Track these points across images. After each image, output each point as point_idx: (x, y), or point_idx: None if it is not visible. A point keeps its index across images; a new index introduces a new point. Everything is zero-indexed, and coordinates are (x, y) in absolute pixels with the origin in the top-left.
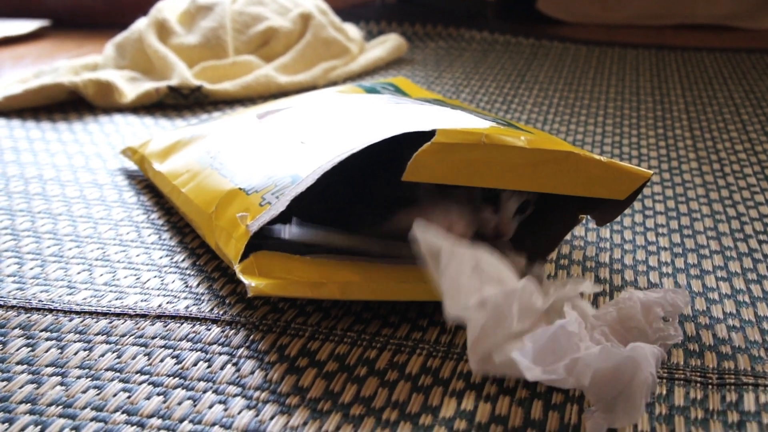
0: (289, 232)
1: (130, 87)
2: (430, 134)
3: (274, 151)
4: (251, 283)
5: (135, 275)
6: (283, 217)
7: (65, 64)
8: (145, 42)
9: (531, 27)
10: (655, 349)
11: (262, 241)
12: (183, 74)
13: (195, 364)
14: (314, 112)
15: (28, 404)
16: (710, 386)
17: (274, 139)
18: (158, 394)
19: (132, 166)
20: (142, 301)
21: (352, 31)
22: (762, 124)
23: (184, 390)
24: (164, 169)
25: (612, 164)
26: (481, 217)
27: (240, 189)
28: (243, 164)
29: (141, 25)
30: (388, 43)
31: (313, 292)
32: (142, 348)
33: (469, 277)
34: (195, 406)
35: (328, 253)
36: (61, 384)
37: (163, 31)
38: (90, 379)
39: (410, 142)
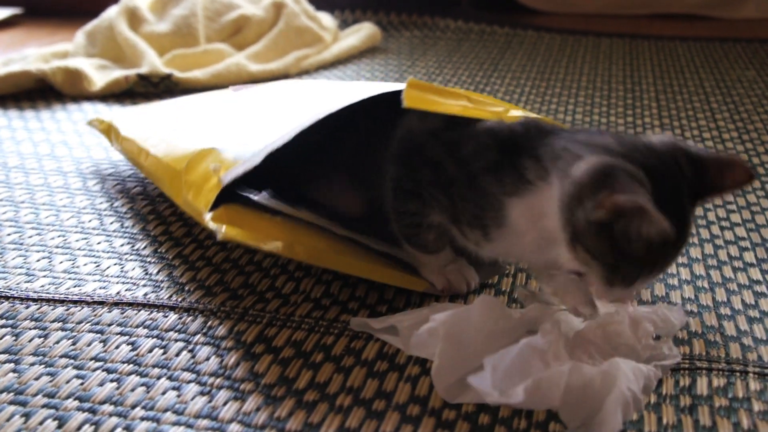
0: (261, 197)
1: (100, 75)
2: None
3: (248, 118)
4: (222, 228)
5: (95, 263)
6: (256, 183)
7: (35, 52)
8: (115, 30)
9: (506, 16)
10: (643, 367)
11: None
12: (153, 62)
13: (150, 351)
14: (287, 88)
15: None
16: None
17: (249, 105)
18: (112, 381)
19: (98, 154)
20: (100, 288)
21: (326, 19)
22: (730, 112)
23: (138, 376)
24: (133, 133)
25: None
26: None
27: (213, 148)
28: (217, 127)
29: (112, 13)
30: (362, 32)
31: (282, 250)
32: (98, 335)
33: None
34: (148, 392)
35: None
36: (14, 371)
37: (134, 18)
38: (43, 365)
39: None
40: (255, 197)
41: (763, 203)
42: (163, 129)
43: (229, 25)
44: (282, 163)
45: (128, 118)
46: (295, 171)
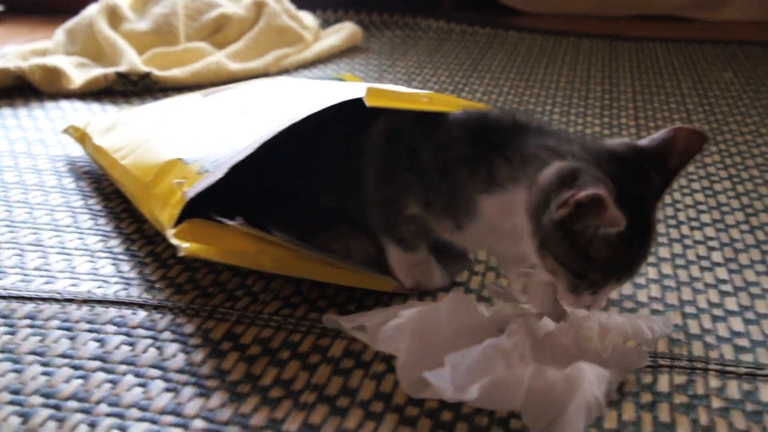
0: (236, 221)
1: (79, 73)
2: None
3: (215, 124)
4: (183, 244)
5: (67, 260)
6: (226, 198)
7: (14, 50)
8: (95, 28)
9: (488, 16)
10: (606, 372)
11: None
12: (132, 60)
13: (117, 348)
14: (256, 90)
15: None
16: None
17: (216, 113)
18: (78, 377)
19: (74, 152)
20: (71, 285)
21: (308, 19)
22: (706, 113)
23: (105, 373)
24: (105, 143)
25: None
26: None
27: (179, 159)
28: (184, 136)
29: (92, 11)
30: (343, 32)
31: (244, 261)
32: (67, 332)
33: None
34: (114, 388)
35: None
36: None
37: (114, 17)
38: (10, 362)
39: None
40: (225, 220)
41: (733, 203)
42: (132, 138)
43: (210, 23)
44: (252, 170)
45: (101, 125)
46: (266, 179)
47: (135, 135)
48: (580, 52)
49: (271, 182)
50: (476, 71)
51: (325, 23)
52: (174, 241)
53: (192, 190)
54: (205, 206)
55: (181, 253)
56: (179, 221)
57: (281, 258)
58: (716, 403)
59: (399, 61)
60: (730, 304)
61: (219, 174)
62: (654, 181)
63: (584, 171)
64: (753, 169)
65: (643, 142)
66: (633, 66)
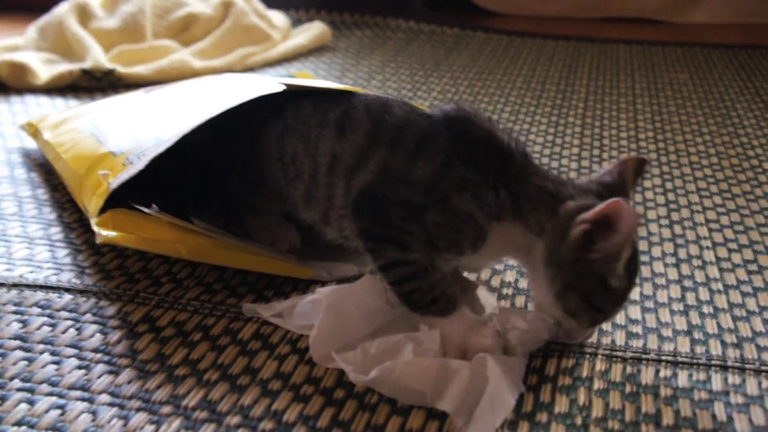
0: (151, 210)
1: (46, 69)
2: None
3: (145, 118)
4: (101, 232)
5: (5, 246)
6: (148, 187)
7: None
8: (63, 25)
9: (458, 17)
10: (512, 358)
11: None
12: (97, 57)
13: (39, 329)
14: (193, 86)
15: None
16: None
17: (150, 108)
18: None
19: (31, 144)
20: (5, 270)
21: (278, 18)
22: (653, 113)
23: (23, 351)
24: (51, 138)
25: None
26: None
27: (110, 152)
28: (117, 130)
29: (63, 8)
30: (312, 31)
31: (160, 248)
32: None
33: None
34: (29, 366)
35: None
36: None
37: (83, 14)
38: None
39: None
40: (143, 209)
41: (659, 200)
42: (75, 134)
43: (177, 22)
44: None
45: (51, 121)
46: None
47: (78, 130)
48: (543, 53)
49: (196, 172)
50: (437, 70)
51: (298, 22)
52: (95, 229)
53: (115, 181)
54: (129, 195)
55: (99, 240)
56: (106, 210)
57: (200, 246)
58: (598, 384)
59: (363, 61)
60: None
61: (140, 165)
62: None
63: (592, 204)
64: (686, 167)
65: (605, 177)
66: (592, 67)
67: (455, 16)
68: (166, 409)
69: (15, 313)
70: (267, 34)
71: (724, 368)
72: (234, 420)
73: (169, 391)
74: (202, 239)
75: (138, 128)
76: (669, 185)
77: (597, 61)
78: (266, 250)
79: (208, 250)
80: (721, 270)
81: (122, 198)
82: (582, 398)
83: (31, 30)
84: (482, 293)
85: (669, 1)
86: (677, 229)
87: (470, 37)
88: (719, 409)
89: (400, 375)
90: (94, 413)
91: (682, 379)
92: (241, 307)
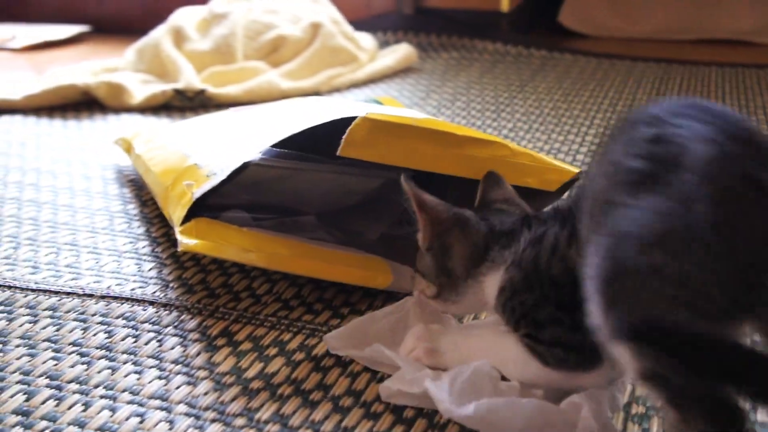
0: (228, 214)
1: (141, 89)
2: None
3: (231, 136)
4: (183, 240)
5: (96, 259)
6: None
7: (87, 66)
8: (159, 47)
9: (545, 39)
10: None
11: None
12: (189, 78)
13: (123, 339)
14: (278, 107)
15: None
16: None
17: (237, 125)
18: (82, 363)
19: (124, 161)
20: (94, 282)
21: (366, 40)
22: None
23: (107, 360)
24: (143, 152)
25: (540, 158)
26: None
27: (195, 164)
28: (204, 146)
29: (160, 31)
30: (398, 53)
31: (240, 257)
32: (81, 323)
33: None
34: (112, 374)
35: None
36: (1, 351)
37: (179, 37)
38: (26, 348)
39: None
40: (224, 215)
41: None
42: (166, 148)
43: (267, 44)
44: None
45: (144, 137)
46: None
47: (168, 145)
48: (631, 76)
49: None
50: (522, 92)
51: (385, 44)
52: (179, 237)
53: (199, 191)
54: (212, 206)
55: (180, 248)
56: (189, 219)
57: (274, 256)
58: None
59: (449, 82)
60: None
61: (222, 176)
62: None
63: None
64: None
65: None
66: (682, 90)
67: (543, 38)
68: (239, 422)
69: (101, 323)
70: (354, 55)
71: None
72: None
73: (243, 403)
74: (280, 247)
75: (224, 145)
76: None
77: (687, 84)
78: (345, 250)
79: (285, 259)
80: None
81: (205, 208)
82: (655, 428)
83: (130, 52)
84: None
85: (763, 22)
86: None
87: (557, 59)
88: None
89: (497, 413)
90: (171, 422)
91: None
92: (316, 324)
